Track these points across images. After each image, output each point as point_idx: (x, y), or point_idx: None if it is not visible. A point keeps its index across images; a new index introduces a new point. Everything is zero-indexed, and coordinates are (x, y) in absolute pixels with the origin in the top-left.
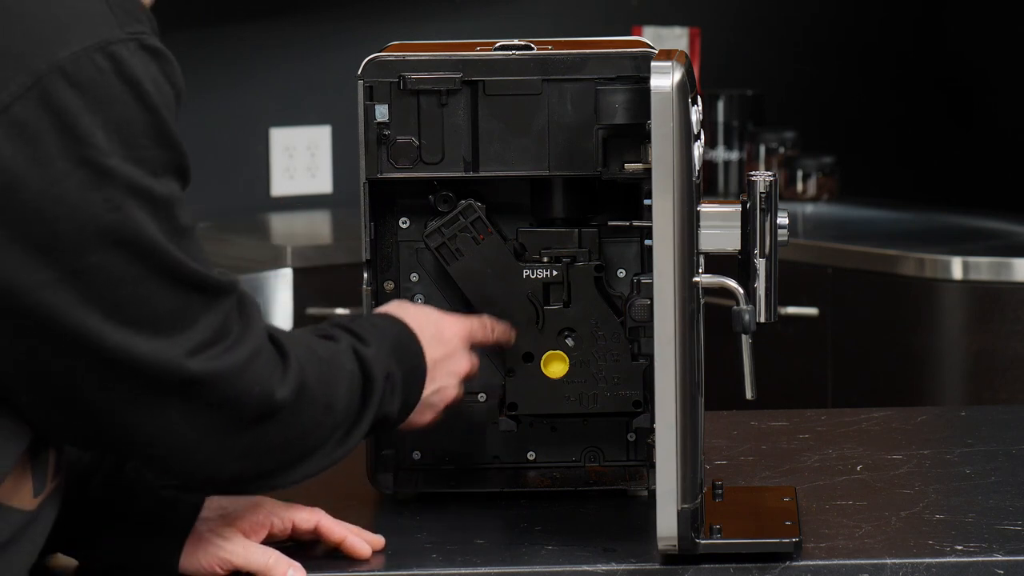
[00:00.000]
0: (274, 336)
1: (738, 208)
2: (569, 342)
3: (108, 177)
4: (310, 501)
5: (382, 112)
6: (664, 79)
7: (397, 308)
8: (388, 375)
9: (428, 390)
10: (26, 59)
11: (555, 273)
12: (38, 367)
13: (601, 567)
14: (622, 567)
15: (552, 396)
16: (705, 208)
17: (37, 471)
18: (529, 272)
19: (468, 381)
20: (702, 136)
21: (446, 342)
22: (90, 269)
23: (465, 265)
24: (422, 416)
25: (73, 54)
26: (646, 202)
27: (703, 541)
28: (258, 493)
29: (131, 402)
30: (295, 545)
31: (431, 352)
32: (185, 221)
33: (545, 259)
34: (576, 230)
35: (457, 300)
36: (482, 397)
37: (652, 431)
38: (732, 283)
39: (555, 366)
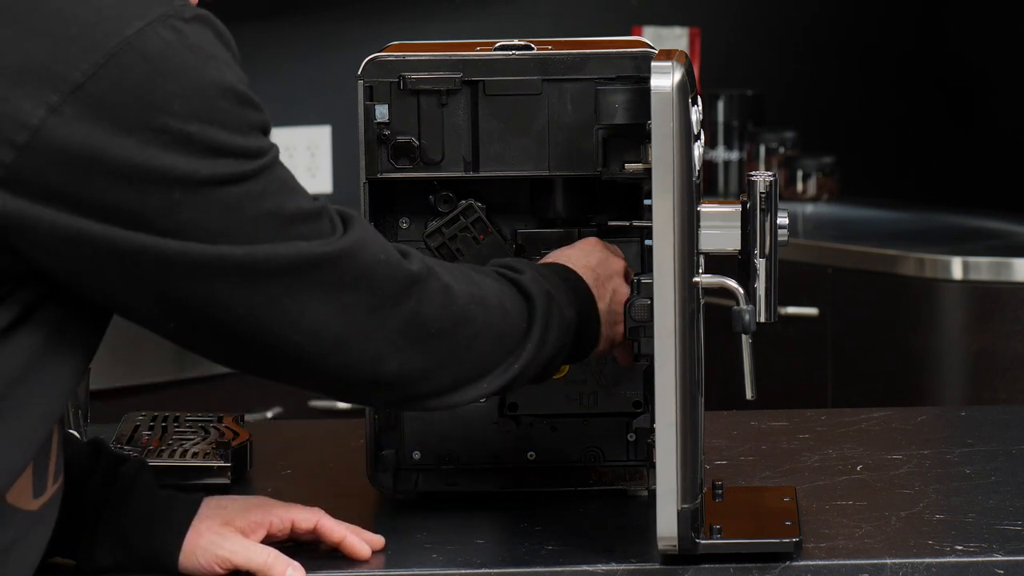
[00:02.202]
0: (396, 244)
1: (738, 208)
2: None
3: (191, 142)
4: (310, 501)
5: (382, 112)
6: (664, 79)
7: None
8: (547, 292)
9: (602, 298)
10: (94, 38)
11: None
12: (171, 303)
13: (601, 567)
14: (622, 567)
15: (552, 396)
16: (705, 208)
17: (38, 473)
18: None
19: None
20: (702, 136)
21: (591, 251)
22: (184, 225)
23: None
24: (616, 328)
25: (139, 30)
26: (646, 202)
27: (703, 541)
28: (432, 404)
29: (270, 306)
30: (295, 545)
31: (584, 267)
32: (281, 174)
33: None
34: (576, 230)
35: None
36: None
37: (652, 431)
38: (732, 283)
39: None
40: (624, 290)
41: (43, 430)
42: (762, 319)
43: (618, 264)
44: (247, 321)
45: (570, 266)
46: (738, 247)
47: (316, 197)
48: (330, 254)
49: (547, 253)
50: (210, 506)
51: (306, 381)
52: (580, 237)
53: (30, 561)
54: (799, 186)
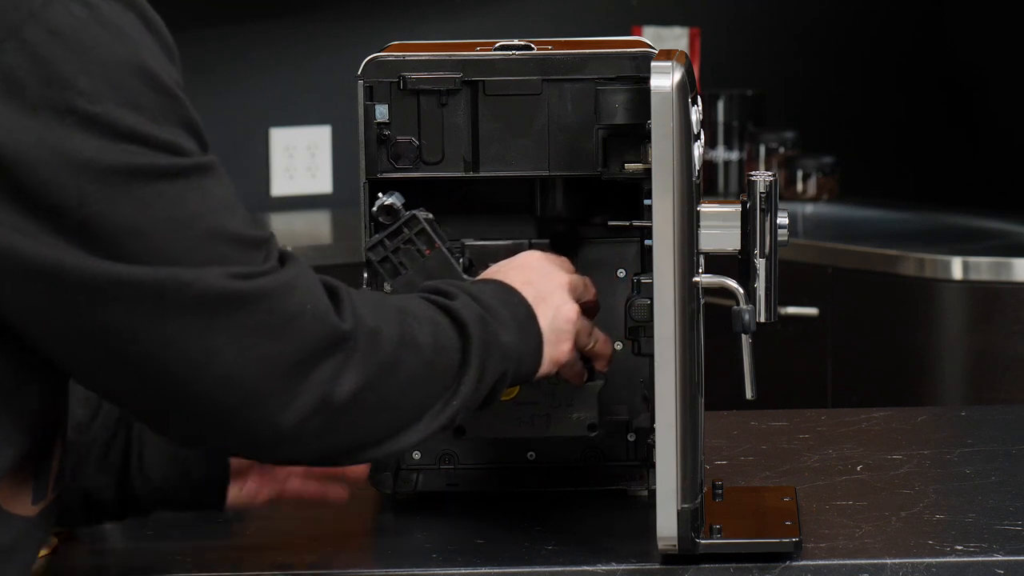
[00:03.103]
0: (323, 279)
1: (738, 208)
2: None
3: (98, 123)
4: (309, 502)
5: (382, 112)
6: (664, 79)
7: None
8: (480, 316)
9: (544, 316)
10: (1, 14)
11: None
12: (62, 321)
13: (601, 567)
14: (622, 567)
15: (502, 418)
16: (705, 208)
17: (39, 479)
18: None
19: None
20: (702, 136)
21: (529, 267)
22: (93, 219)
23: (408, 280)
24: (560, 347)
25: (46, 3)
26: (646, 202)
27: (703, 541)
28: (363, 458)
29: (175, 343)
30: (294, 544)
31: (523, 281)
32: (212, 187)
33: None
34: (527, 241)
35: None
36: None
37: (652, 431)
38: (732, 283)
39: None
40: (570, 307)
41: (27, 439)
42: (762, 319)
43: (560, 278)
44: (147, 357)
45: (508, 283)
46: (738, 247)
47: (267, 231)
48: (252, 293)
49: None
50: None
51: (214, 436)
52: (532, 248)
53: (26, 566)
54: (799, 186)
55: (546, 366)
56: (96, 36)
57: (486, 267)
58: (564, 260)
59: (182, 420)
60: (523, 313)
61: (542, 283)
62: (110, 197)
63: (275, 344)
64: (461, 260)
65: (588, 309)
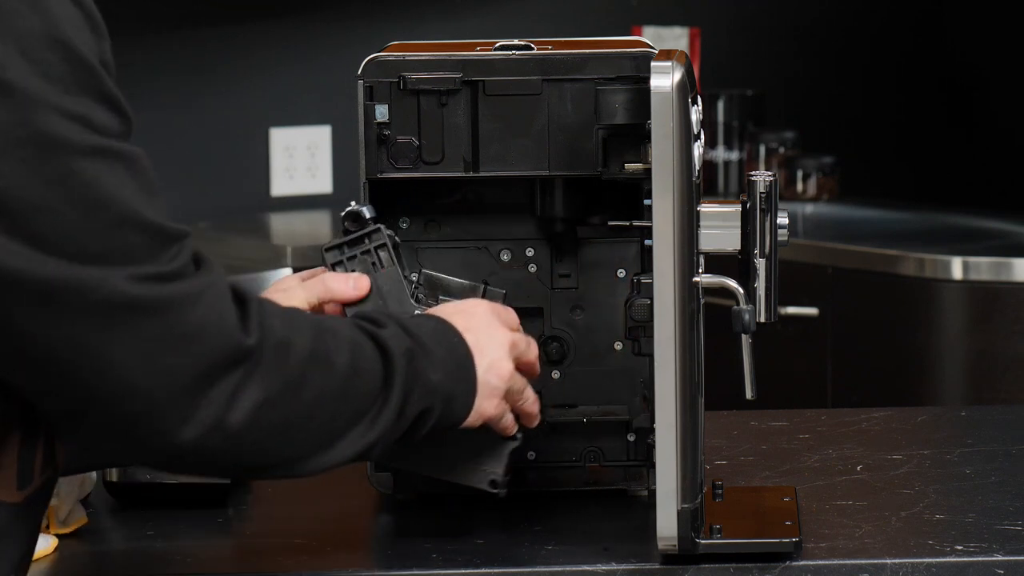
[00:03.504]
0: (235, 286)
1: (738, 208)
2: None
3: (7, 91)
4: (310, 501)
5: (382, 112)
6: (664, 79)
7: (438, 311)
8: (409, 349)
9: (480, 364)
10: None
11: None
12: None
13: (601, 567)
14: (622, 567)
15: (424, 455)
16: (705, 208)
17: (23, 464)
18: (420, 313)
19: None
20: (702, 136)
21: (474, 314)
22: (2, 195)
23: None
24: (488, 402)
25: None
26: (646, 202)
27: (703, 541)
28: (276, 474)
29: (73, 346)
30: (294, 544)
31: (474, 334)
32: (133, 172)
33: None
34: (482, 285)
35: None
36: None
37: (652, 431)
38: (732, 283)
39: None
40: (506, 364)
41: (8, 421)
42: (762, 319)
43: (502, 335)
44: (51, 356)
45: (450, 323)
46: (738, 247)
47: (184, 228)
48: (157, 301)
49: (446, 300)
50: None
51: (119, 446)
52: (486, 293)
53: (14, 555)
54: (799, 186)
55: (472, 416)
56: (13, 5)
57: (437, 301)
58: (511, 315)
59: (89, 426)
60: (460, 355)
61: (482, 334)
62: (19, 172)
63: (176, 357)
64: (415, 289)
65: (526, 369)
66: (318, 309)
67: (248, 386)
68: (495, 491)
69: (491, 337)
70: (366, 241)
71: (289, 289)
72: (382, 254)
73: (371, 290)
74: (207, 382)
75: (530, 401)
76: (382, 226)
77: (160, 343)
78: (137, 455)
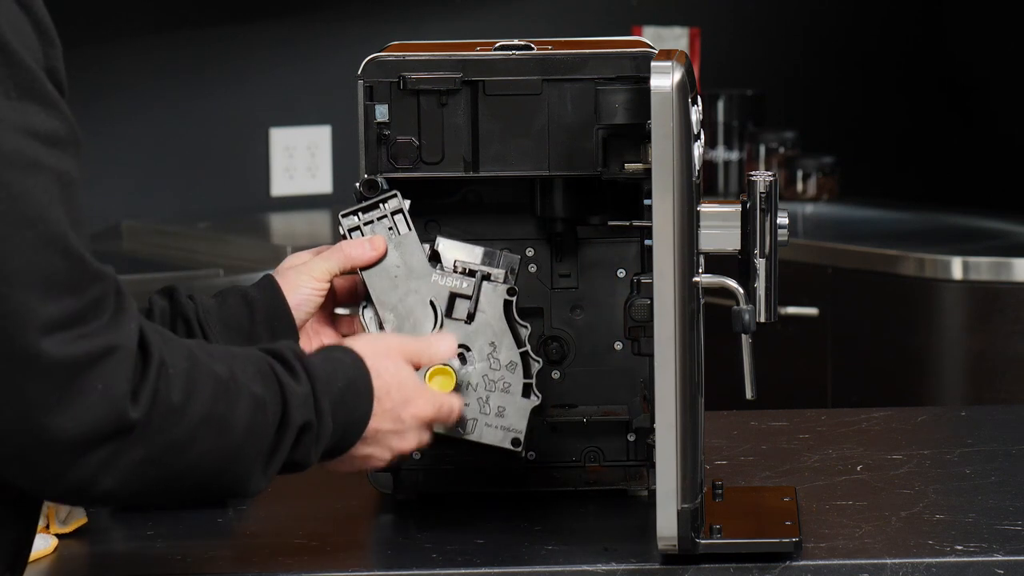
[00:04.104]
0: (145, 341)
1: (738, 208)
2: (456, 363)
3: None
4: (310, 500)
5: (382, 112)
6: (664, 79)
7: (380, 353)
8: (306, 424)
9: (358, 451)
10: None
11: (465, 284)
12: None
13: (601, 567)
14: (622, 567)
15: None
16: (705, 208)
17: None
18: (438, 277)
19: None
20: (702, 136)
21: (401, 420)
22: None
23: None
24: (339, 466)
25: None
26: (646, 202)
27: (703, 541)
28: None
29: None
30: (294, 544)
31: (379, 421)
32: (59, 166)
33: (459, 269)
34: (499, 250)
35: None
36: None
37: (652, 431)
38: (732, 283)
39: (439, 381)
40: (406, 444)
41: None
42: (762, 319)
43: (422, 409)
44: None
45: (373, 381)
46: (738, 247)
47: (108, 268)
48: (56, 361)
49: (462, 263)
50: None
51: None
52: (500, 259)
53: (9, 550)
54: (799, 186)
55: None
56: None
57: (452, 264)
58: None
59: None
60: (349, 437)
61: (401, 408)
62: None
63: (57, 419)
64: (429, 248)
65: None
66: (342, 281)
67: (127, 453)
68: (517, 449)
69: (408, 408)
70: (382, 207)
71: (305, 263)
72: (398, 219)
73: (387, 251)
74: (83, 449)
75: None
76: (398, 192)
77: (44, 403)
78: (32, 490)
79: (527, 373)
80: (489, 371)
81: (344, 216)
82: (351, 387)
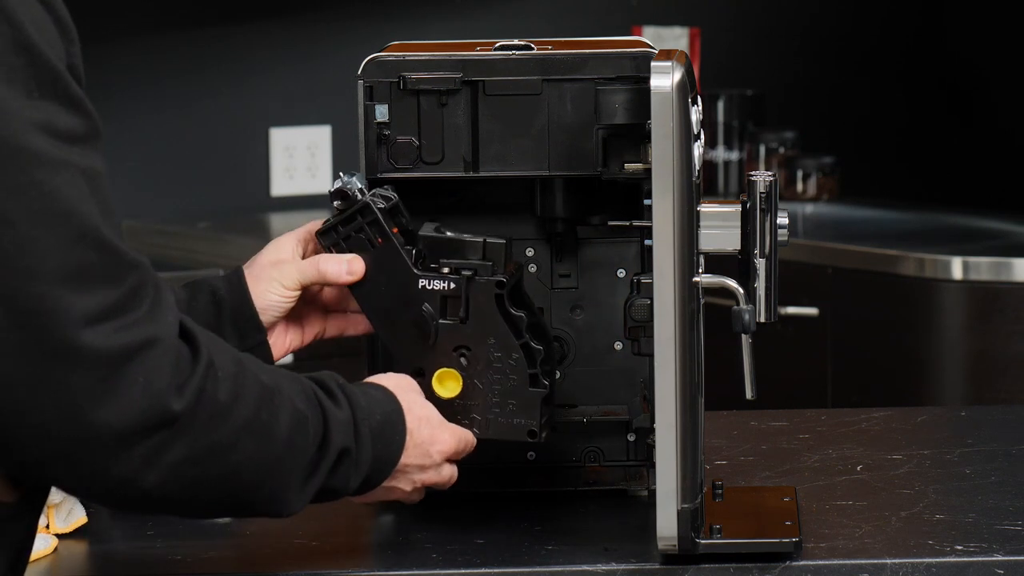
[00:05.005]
0: (192, 336)
1: (738, 208)
2: (463, 360)
3: None
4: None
5: (382, 112)
6: (664, 79)
7: (406, 391)
8: (346, 449)
9: (386, 483)
10: None
11: (452, 286)
12: None
13: (601, 567)
14: (622, 567)
15: (444, 416)
16: (705, 208)
17: None
18: (425, 283)
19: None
20: (702, 136)
21: (429, 456)
22: None
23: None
24: (364, 498)
25: None
26: (646, 202)
27: (703, 541)
28: (199, 519)
29: (6, 376)
30: (294, 544)
31: (409, 456)
32: (84, 162)
33: (444, 270)
34: (482, 240)
35: None
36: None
37: (652, 431)
38: (732, 283)
39: (448, 384)
40: (432, 477)
41: None
42: (762, 319)
43: (447, 445)
44: None
45: (406, 415)
46: (738, 247)
47: (141, 256)
48: (97, 353)
49: (448, 263)
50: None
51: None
52: (485, 248)
53: (10, 554)
54: (799, 186)
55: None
56: None
57: (438, 263)
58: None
59: (13, 463)
60: (380, 471)
61: (428, 446)
62: None
63: (100, 414)
64: (413, 251)
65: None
66: (311, 290)
67: (170, 448)
68: (534, 440)
69: (435, 442)
70: (358, 218)
71: (278, 266)
72: (376, 230)
73: (367, 272)
74: (127, 443)
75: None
76: (370, 201)
77: (89, 397)
78: (72, 489)
79: (531, 363)
80: (492, 368)
81: (321, 234)
82: (387, 420)
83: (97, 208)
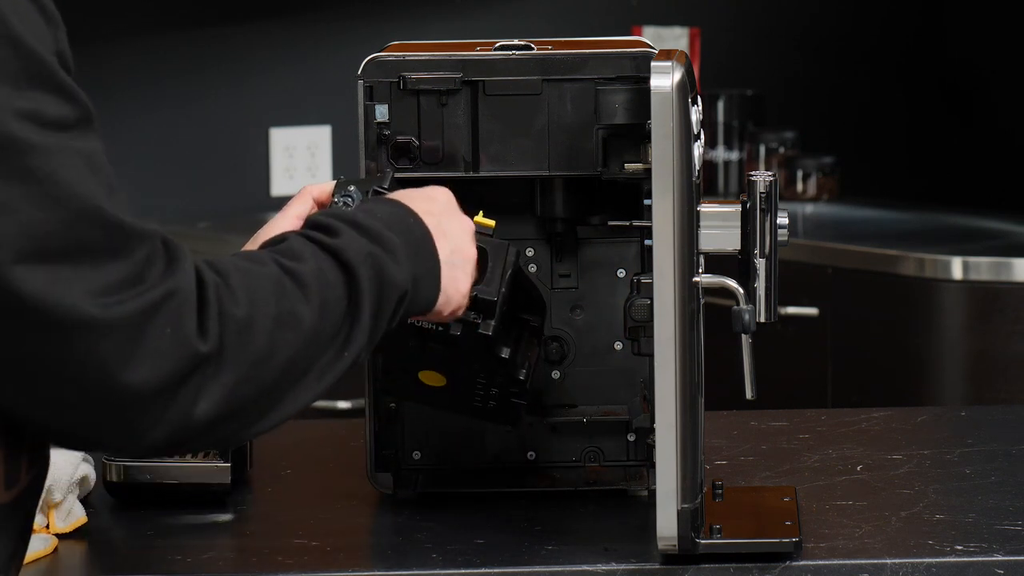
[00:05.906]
0: (199, 273)
1: (738, 208)
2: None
3: None
4: (310, 501)
5: (382, 112)
6: (664, 79)
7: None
8: (370, 254)
9: (443, 248)
10: None
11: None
12: None
13: (601, 567)
14: (622, 567)
15: (430, 403)
16: (705, 208)
17: (10, 463)
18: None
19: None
20: (702, 136)
21: (436, 199)
22: None
23: None
24: (458, 285)
25: None
26: (646, 202)
27: (703, 541)
28: (253, 437)
29: (33, 358)
30: (294, 544)
31: (425, 210)
32: (78, 144)
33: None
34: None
35: None
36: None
37: (652, 431)
38: (732, 283)
39: (431, 377)
40: (470, 249)
41: None
42: (762, 319)
43: (466, 222)
44: (6, 362)
45: (408, 206)
46: (738, 247)
47: (149, 225)
48: (113, 320)
49: None
50: None
51: (93, 447)
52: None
53: (4, 554)
54: (799, 186)
55: (441, 300)
56: None
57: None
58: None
59: (51, 431)
60: (417, 236)
61: (445, 217)
62: None
63: (134, 373)
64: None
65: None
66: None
67: (213, 382)
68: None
69: (455, 223)
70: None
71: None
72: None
73: None
74: (168, 393)
75: None
76: (352, 194)
77: (119, 361)
78: (108, 451)
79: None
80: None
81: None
82: (392, 212)
83: (97, 186)
